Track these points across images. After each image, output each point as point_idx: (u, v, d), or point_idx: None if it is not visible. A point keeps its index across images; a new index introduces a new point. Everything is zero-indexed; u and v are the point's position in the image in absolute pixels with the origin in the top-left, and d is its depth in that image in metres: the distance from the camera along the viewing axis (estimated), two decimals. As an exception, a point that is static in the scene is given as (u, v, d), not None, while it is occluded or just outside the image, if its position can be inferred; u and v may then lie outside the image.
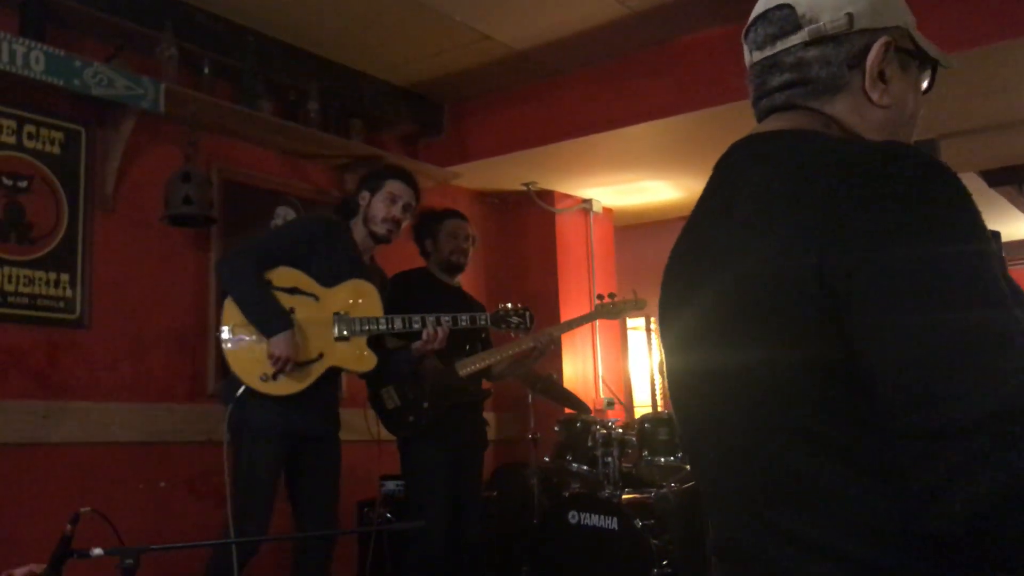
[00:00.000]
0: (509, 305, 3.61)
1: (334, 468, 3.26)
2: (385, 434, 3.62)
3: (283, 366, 3.04)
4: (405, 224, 3.44)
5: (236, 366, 3.06)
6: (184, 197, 3.86)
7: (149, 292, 3.92)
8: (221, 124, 4.17)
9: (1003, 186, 6.35)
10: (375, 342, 3.29)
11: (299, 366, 3.07)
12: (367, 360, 3.23)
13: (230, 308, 3.09)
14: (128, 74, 3.63)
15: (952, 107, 4.60)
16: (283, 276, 3.12)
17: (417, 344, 3.37)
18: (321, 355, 3.12)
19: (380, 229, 3.33)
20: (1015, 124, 4.85)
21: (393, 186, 3.36)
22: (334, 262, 3.20)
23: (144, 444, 3.80)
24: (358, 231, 3.36)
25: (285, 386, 3.06)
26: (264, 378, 3.03)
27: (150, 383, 3.87)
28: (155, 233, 3.95)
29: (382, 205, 3.32)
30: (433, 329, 3.31)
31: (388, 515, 4.07)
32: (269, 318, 3.07)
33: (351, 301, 3.18)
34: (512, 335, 3.62)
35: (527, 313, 3.60)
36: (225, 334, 3.07)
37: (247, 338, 3.07)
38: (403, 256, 3.99)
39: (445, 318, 3.37)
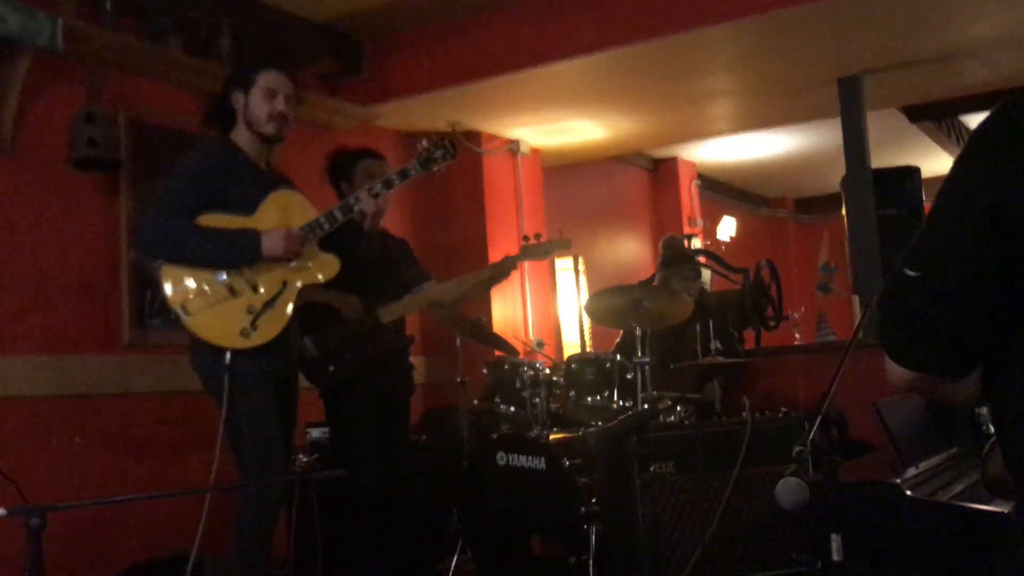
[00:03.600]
0: (425, 142, 3.27)
1: (296, 410, 3.17)
2: (306, 381, 3.54)
3: (297, 245, 2.91)
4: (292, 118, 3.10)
5: (211, 336, 2.86)
6: (88, 139, 3.69)
7: (55, 240, 3.74)
8: (127, 62, 3.97)
9: (923, 121, 6.45)
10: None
11: (269, 304, 2.90)
12: (330, 263, 3.05)
13: (173, 283, 2.85)
14: (22, 8, 3.40)
15: (875, 43, 4.61)
16: (206, 223, 2.91)
17: (367, 223, 3.22)
18: (285, 283, 2.95)
19: (269, 129, 3.03)
20: (935, 60, 4.89)
21: (267, 79, 3.04)
22: (242, 187, 2.98)
23: (56, 398, 3.66)
24: (243, 139, 3.06)
25: (267, 330, 2.88)
26: (244, 333, 2.85)
27: (60, 334, 3.72)
28: (59, 178, 3.76)
29: (262, 103, 3.01)
30: (370, 202, 3.15)
31: (316, 463, 4.02)
32: (238, 245, 2.87)
33: (283, 216, 2.98)
34: (444, 168, 3.29)
35: (446, 141, 3.28)
36: (181, 314, 2.84)
37: (206, 303, 2.86)
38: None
39: (376, 187, 3.19)
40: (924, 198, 5.13)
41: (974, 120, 7.01)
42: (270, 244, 2.89)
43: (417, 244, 4.55)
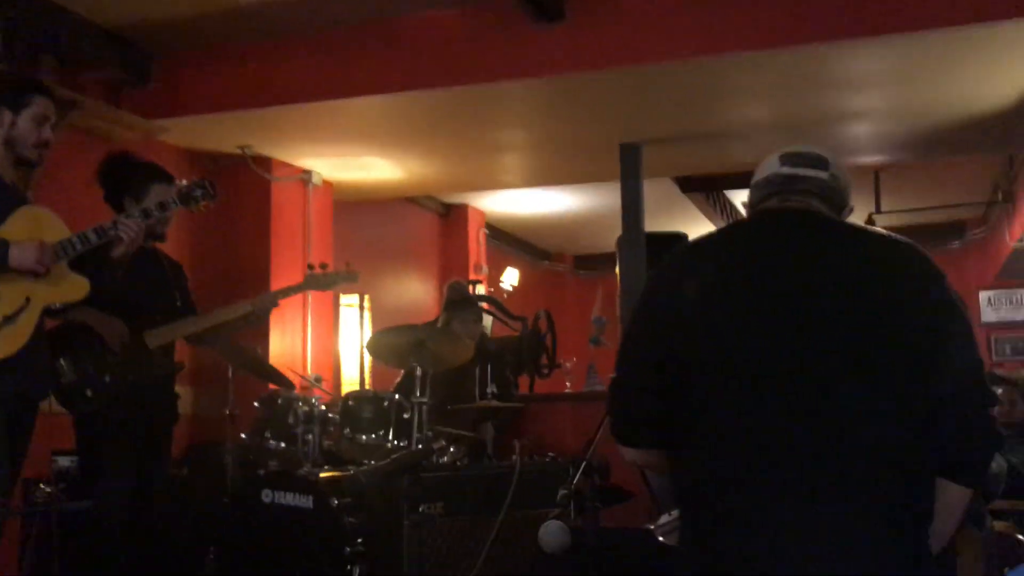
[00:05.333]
0: (186, 181, 3.30)
1: (29, 437, 2.92)
2: (57, 406, 3.28)
3: (50, 260, 2.76)
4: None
5: None
6: None
7: None
8: None
9: (693, 192, 6.96)
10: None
11: (8, 320, 2.70)
12: (79, 285, 2.89)
13: None
14: None
15: (654, 114, 4.95)
16: None
17: (117, 251, 3.05)
18: (28, 299, 2.75)
19: (32, 154, 2.93)
20: (707, 137, 5.31)
21: (43, 104, 2.94)
22: None
23: None
24: None
25: (4, 346, 2.67)
26: None
27: None
28: None
29: (31, 128, 2.91)
30: (132, 228, 3.01)
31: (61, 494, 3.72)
32: None
33: (34, 231, 2.80)
34: (204, 207, 3.30)
35: (207, 182, 3.29)
36: None
37: None
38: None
39: (135, 214, 3.08)
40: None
41: (738, 195, 7.64)
42: (19, 254, 2.71)
43: (197, 266, 4.37)
